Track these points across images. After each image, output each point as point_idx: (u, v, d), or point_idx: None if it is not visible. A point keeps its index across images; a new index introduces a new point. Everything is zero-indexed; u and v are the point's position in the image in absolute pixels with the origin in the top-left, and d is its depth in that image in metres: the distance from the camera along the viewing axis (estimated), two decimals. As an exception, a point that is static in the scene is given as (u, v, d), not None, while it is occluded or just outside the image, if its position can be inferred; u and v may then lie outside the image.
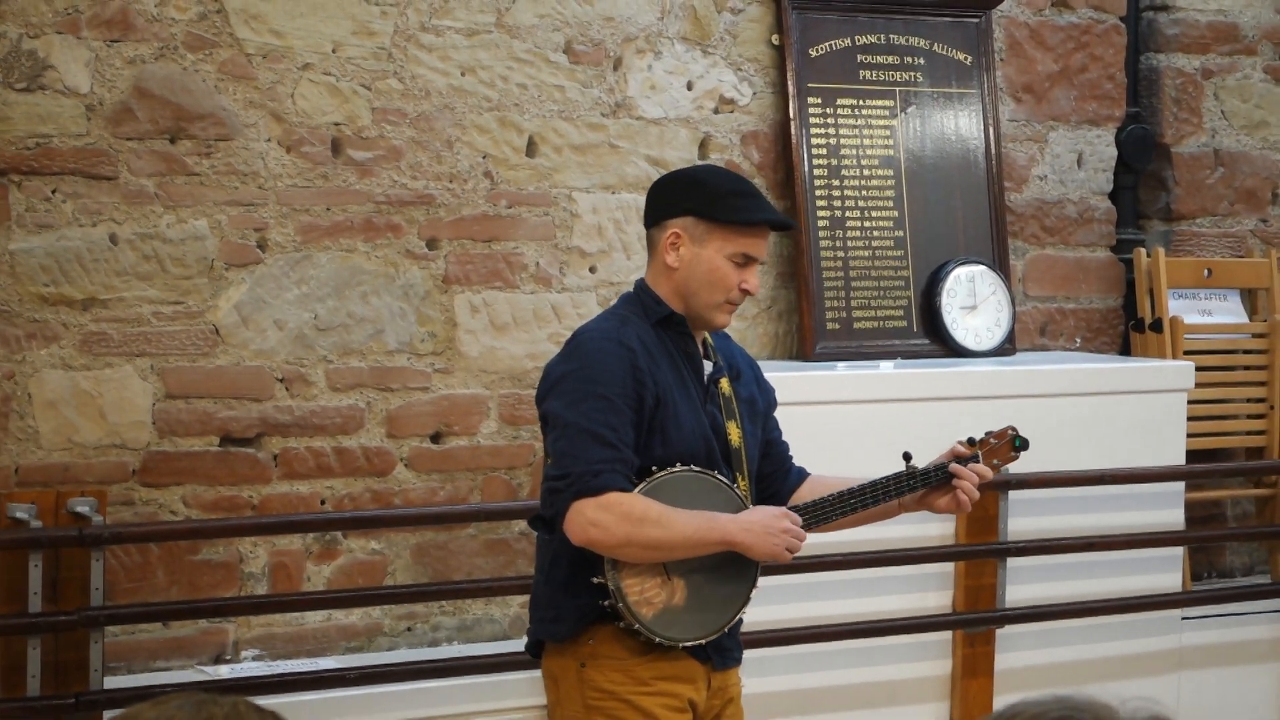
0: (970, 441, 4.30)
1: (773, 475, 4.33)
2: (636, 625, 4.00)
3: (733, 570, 4.10)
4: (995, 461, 4.32)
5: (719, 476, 4.09)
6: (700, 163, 6.15)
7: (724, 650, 4.21)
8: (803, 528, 4.10)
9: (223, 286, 5.57)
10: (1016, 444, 4.33)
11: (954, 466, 4.22)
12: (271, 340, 5.63)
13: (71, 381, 5.40)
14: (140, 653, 5.50)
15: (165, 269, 5.50)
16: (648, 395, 4.01)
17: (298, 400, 5.67)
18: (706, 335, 4.27)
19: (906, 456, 4.24)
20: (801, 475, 4.38)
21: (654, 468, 4.02)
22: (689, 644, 4.08)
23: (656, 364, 4.07)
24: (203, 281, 5.55)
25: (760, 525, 4.03)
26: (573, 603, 4.08)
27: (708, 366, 4.20)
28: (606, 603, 4.01)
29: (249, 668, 5.53)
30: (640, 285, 4.22)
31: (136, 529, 5.34)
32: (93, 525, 5.08)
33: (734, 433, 4.18)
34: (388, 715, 5.41)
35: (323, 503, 5.73)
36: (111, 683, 5.20)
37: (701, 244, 4.12)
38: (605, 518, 3.91)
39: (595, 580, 4.01)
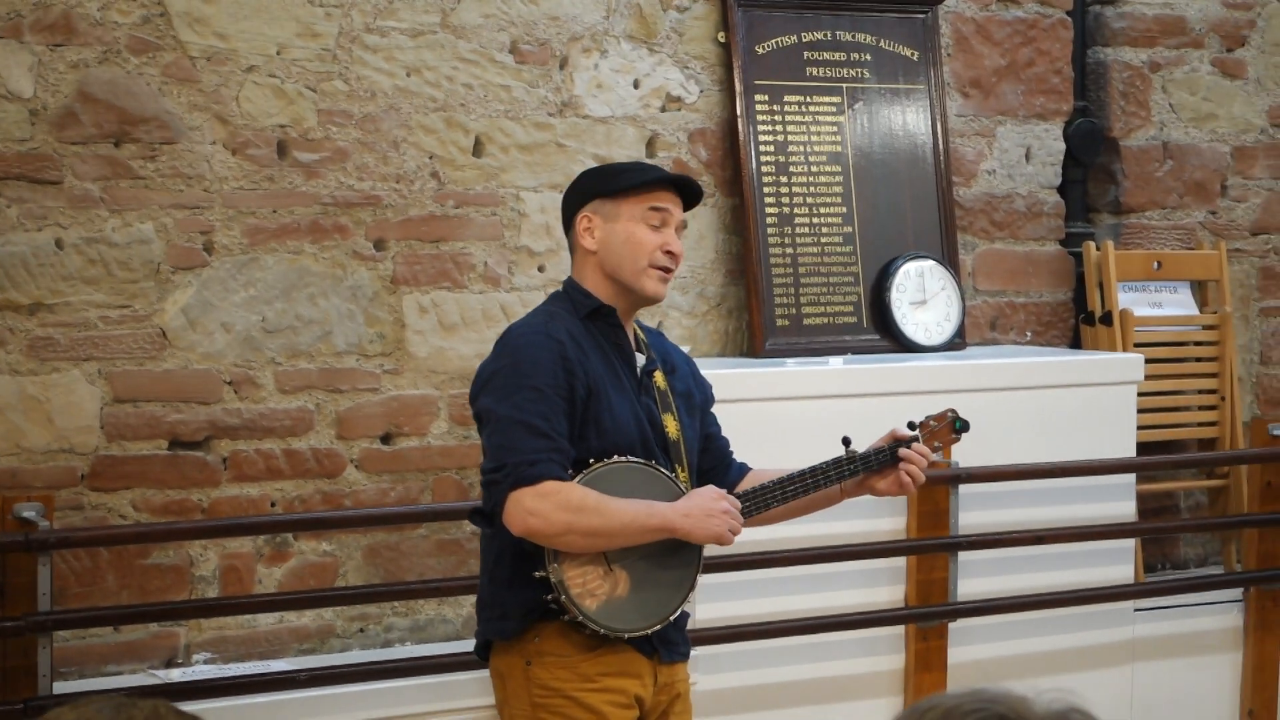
0: (911, 425, 4.33)
1: (713, 470, 4.34)
2: (580, 617, 4.01)
3: (675, 559, 4.11)
4: (936, 444, 4.35)
5: (658, 467, 4.10)
6: None
7: (670, 644, 4.21)
8: (745, 514, 4.12)
9: (169, 290, 5.56)
10: (957, 426, 4.37)
11: (903, 451, 4.27)
12: (219, 343, 5.62)
13: (18, 386, 5.38)
14: (91, 657, 5.48)
15: (111, 273, 5.48)
16: (579, 386, 4.02)
17: (246, 403, 5.66)
18: (638, 329, 4.28)
19: (846, 441, 4.27)
20: (743, 470, 4.40)
21: (591, 460, 4.03)
22: (633, 635, 4.08)
23: (587, 356, 4.08)
24: (149, 285, 5.53)
25: (699, 509, 4.04)
26: (517, 599, 4.08)
27: (640, 360, 4.22)
28: (550, 597, 4.01)
29: (200, 671, 5.51)
30: (568, 282, 4.26)
31: (83, 533, 5.33)
32: (39, 530, 5.05)
33: (671, 425, 4.19)
34: (341, 716, 5.40)
35: (273, 505, 5.71)
36: (61, 688, 5.17)
37: (613, 219, 4.16)
38: (544, 506, 3.92)
39: (538, 575, 4.01)
